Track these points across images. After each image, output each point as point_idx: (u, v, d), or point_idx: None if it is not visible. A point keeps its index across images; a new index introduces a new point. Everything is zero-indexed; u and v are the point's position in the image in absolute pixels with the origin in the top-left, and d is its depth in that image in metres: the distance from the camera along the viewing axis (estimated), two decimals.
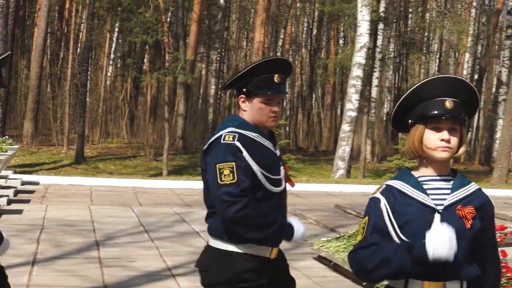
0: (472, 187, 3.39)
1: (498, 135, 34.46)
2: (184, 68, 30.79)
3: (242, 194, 4.19)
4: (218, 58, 42.13)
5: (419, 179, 3.40)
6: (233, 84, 4.53)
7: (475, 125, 44.26)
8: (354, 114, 26.68)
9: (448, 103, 3.31)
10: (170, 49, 32.81)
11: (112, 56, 41.30)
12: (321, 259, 10.73)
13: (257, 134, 4.34)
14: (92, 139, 35.43)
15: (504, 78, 35.49)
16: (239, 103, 4.39)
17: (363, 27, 26.63)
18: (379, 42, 35.28)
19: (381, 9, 33.88)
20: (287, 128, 45.67)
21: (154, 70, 35.59)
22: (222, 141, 4.29)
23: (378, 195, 3.39)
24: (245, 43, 49.50)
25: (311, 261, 10.81)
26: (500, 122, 33.95)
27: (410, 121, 3.42)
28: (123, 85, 38.48)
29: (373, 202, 3.42)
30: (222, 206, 4.19)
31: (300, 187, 19.82)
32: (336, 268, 10.16)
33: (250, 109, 4.30)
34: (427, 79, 3.46)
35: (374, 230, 3.30)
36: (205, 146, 4.45)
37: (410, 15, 40.48)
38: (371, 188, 20.57)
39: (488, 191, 4.09)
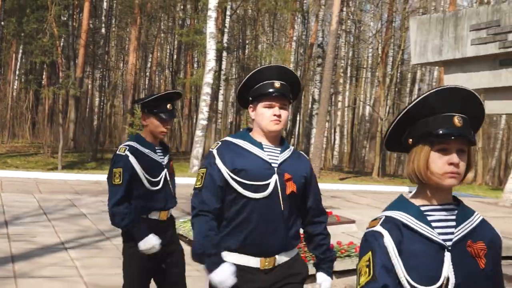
0: (477, 218, 2.49)
1: (312, 140, 34.68)
2: (74, 83, 30.43)
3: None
4: (100, 76, 41.82)
5: (421, 209, 2.41)
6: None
7: (296, 132, 44.15)
8: (205, 122, 26.88)
9: (457, 120, 2.36)
10: (63, 68, 32.46)
11: (17, 72, 40.67)
12: (180, 236, 10.46)
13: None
14: (1, 140, 35.03)
15: (316, 97, 35.64)
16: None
17: (211, 54, 26.90)
18: (223, 66, 35.64)
19: (225, 40, 34.37)
20: None
21: (51, 84, 34.83)
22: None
23: (379, 228, 2.38)
24: (122, 64, 48.78)
25: None
26: (314, 131, 34.04)
27: (410, 140, 2.42)
28: (26, 96, 38.11)
29: (374, 236, 2.37)
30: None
31: None
32: (191, 243, 10.15)
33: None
34: (435, 89, 2.42)
35: (383, 269, 2.31)
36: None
37: (246, 46, 40.90)
38: None
39: None
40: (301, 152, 3.89)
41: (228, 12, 34.73)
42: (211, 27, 26.98)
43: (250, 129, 3.71)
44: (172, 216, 5.16)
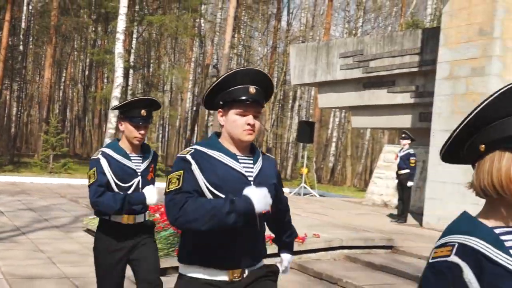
0: None
1: None
2: None
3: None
4: (18, 88, 40.68)
5: (496, 232, 1.59)
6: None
7: (194, 141, 41.85)
8: (112, 131, 25.60)
9: None
10: None
11: None
12: (88, 231, 10.74)
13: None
14: None
15: (211, 110, 35.46)
16: None
17: (119, 72, 24.72)
18: (130, 82, 34.97)
19: (131, 59, 33.61)
20: (68, 140, 44.38)
21: None
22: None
23: (455, 259, 1.56)
24: (38, 78, 47.48)
25: (82, 232, 10.80)
26: None
27: (482, 145, 1.64)
28: None
29: (450, 269, 1.56)
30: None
31: (77, 181, 21.54)
32: None
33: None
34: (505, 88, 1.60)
35: None
36: None
37: (151, 65, 40.38)
38: None
39: None
40: (266, 154, 3.20)
41: (134, 35, 34.54)
42: (119, 48, 26.66)
43: (218, 134, 3.00)
44: (149, 222, 4.58)
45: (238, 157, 2.90)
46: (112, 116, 26.39)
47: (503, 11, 11.25)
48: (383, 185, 17.46)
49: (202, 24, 40.83)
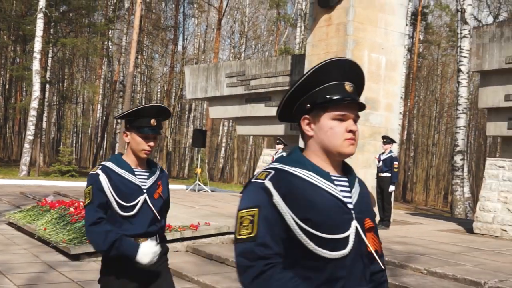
0: None
1: (116, 152, 32.77)
2: None
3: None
4: None
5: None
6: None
7: (104, 146, 42.09)
8: (31, 137, 25.94)
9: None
10: None
11: None
12: (10, 224, 10.51)
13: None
14: None
15: (118, 120, 34.65)
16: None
17: (36, 86, 26.02)
18: (46, 95, 33.71)
19: (48, 75, 32.63)
20: None
21: None
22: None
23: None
24: None
25: (4, 225, 10.49)
26: (117, 145, 32.57)
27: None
28: None
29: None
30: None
31: None
32: (19, 229, 10.01)
33: None
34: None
35: None
36: None
37: (65, 80, 39.07)
38: (43, 182, 20.79)
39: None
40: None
41: (50, 54, 33.31)
42: (36, 65, 26.20)
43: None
44: (163, 242, 3.26)
45: (333, 177, 1.82)
46: (31, 125, 25.75)
47: (352, 43, 11.86)
48: None
49: (110, 46, 39.93)
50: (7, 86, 43.07)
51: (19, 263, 7.37)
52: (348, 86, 1.79)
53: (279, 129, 17.03)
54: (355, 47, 11.80)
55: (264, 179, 1.70)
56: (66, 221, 9.03)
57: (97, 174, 3.06)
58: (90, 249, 7.74)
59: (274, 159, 11.08)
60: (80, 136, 47.11)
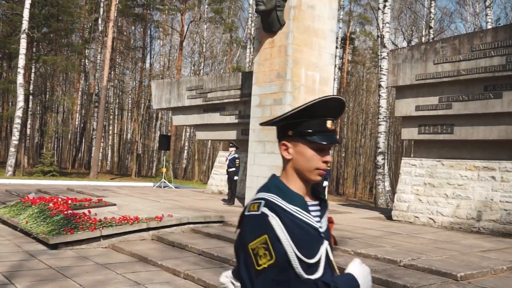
0: None
1: (93, 154, 32.60)
2: None
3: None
4: None
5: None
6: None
7: (82, 149, 41.20)
8: (16, 142, 24.94)
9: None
10: None
11: None
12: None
13: None
14: None
15: (94, 127, 33.16)
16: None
17: (20, 98, 24.47)
18: (30, 105, 32.37)
19: (31, 88, 30.80)
20: None
21: None
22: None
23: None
24: None
25: None
26: (94, 148, 31.64)
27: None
28: None
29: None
30: None
31: None
32: (4, 222, 9.75)
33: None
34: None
35: None
36: None
37: (47, 92, 37.25)
38: (27, 181, 20.13)
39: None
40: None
41: (33, 70, 32.23)
42: (20, 79, 25.48)
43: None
44: None
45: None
46: (16, 131, 25.03)
47: (292, 62, 11.95)
48: (219, 179, 17.66)
49: (86, 63, 38.98)
50: None
51: (2, 253, 7.13)
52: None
53: (232, 134, 17.03)
54: (294, 65, 11.89)
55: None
56: (46, 215, 8.83)
57: (266, 216, 1.54)
58: (67, 239, 7.63)
59: (227, 160, 10.91)
60: (61, 141, 45.74)
